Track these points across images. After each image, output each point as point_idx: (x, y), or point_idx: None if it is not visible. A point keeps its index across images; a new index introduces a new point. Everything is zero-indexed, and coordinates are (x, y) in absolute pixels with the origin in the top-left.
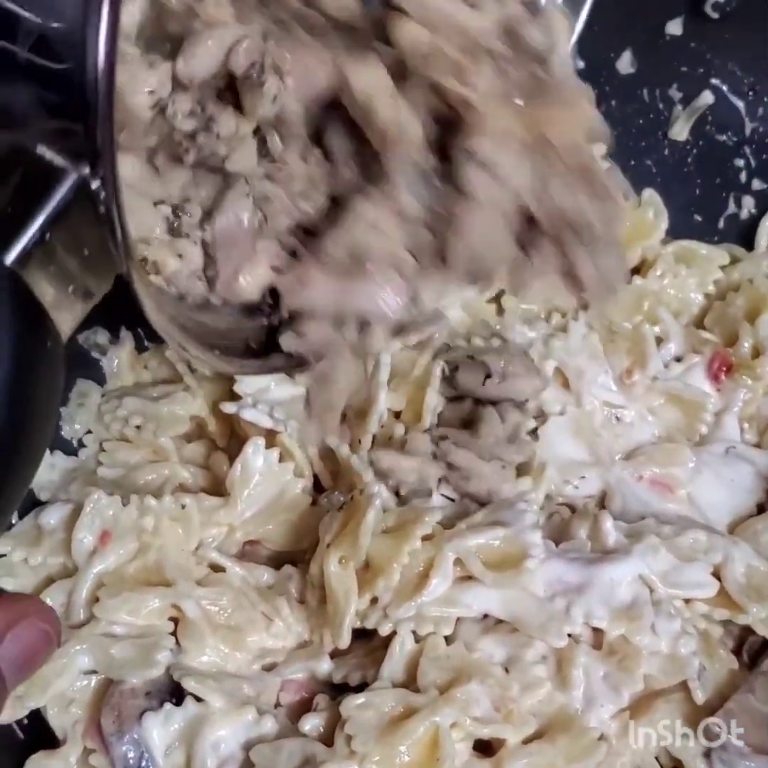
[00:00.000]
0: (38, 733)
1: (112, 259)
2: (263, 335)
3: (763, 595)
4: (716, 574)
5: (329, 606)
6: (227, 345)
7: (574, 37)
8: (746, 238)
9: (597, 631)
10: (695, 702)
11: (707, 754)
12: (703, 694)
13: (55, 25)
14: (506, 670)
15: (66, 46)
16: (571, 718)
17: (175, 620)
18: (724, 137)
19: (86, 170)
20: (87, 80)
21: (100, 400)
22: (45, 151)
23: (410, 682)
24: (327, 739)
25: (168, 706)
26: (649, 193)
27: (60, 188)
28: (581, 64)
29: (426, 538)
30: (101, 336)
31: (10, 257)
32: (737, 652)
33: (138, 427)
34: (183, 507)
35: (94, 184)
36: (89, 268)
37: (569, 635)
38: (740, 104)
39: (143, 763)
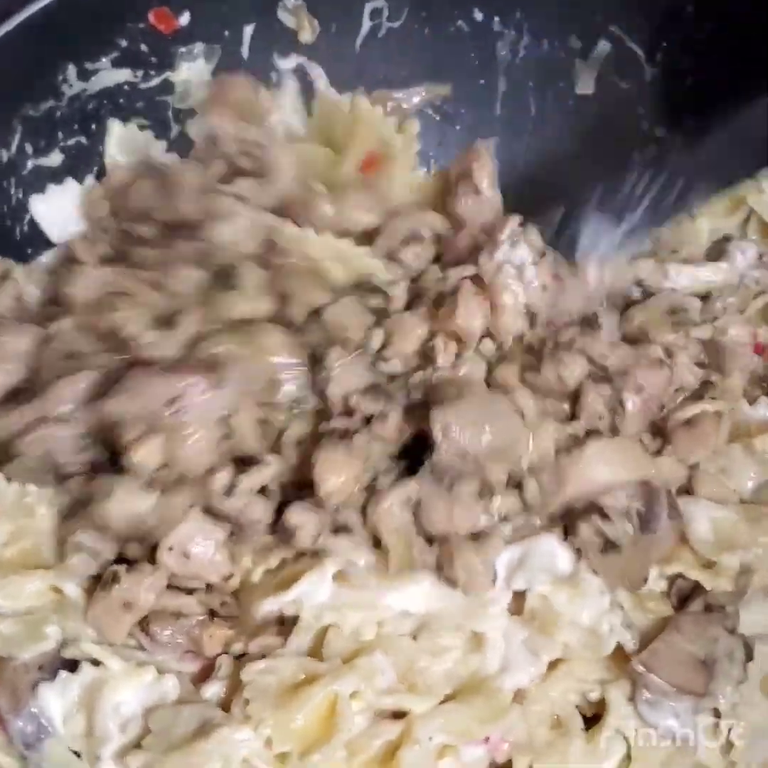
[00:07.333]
0: None
1: None
2: None
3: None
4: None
5: None
6: None
7: None
8: None
9: (517, 597)
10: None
11: (632, 696)
12: (634, 645)
13: None
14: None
15: None
16: (484, 680)
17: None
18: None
19: None
20: None
21: None
22: None
23: (316, 653)
24: (227, 705)
25: (64, 674)
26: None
27: None
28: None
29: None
30: None
31: None
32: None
33: None
34: None
35: None
36: None
37: None
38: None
39: (42, 735)
